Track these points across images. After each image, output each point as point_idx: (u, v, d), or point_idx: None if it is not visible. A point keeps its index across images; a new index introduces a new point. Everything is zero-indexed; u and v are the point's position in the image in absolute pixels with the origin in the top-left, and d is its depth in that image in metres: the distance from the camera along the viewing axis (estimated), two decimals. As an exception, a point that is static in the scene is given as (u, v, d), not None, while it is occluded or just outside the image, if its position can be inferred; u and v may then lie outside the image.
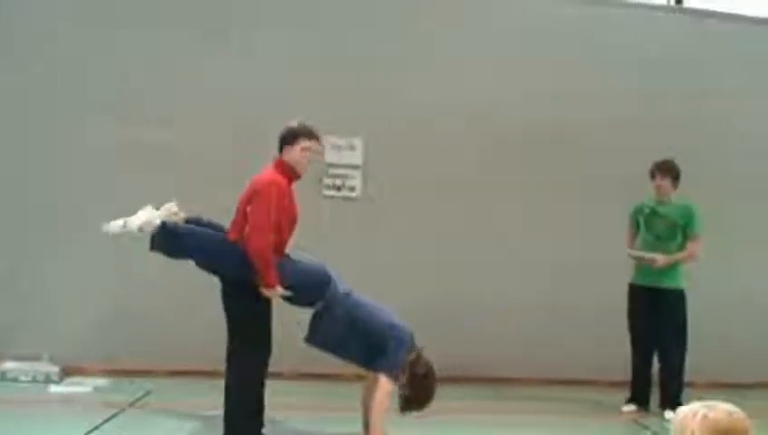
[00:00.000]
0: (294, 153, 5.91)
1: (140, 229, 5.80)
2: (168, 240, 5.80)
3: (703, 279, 8.21)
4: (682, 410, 2.93)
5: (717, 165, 9.38)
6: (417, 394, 5.82)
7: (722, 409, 2.86)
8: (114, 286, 8.38)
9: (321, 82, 8.96)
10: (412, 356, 5.85)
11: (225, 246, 5.83)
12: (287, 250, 6.06)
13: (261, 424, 5.99)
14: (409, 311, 8.48)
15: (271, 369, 6.03)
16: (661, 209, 7.90)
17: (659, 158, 7.97)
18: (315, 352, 6.08)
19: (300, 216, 8.55)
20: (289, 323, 6.13)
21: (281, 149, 5.96)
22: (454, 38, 9.30)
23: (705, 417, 2.83)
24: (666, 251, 7.76)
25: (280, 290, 5.73)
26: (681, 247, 7.81)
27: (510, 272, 9.20)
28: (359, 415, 6.19)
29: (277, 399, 6.33)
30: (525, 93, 9.32)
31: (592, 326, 8.99)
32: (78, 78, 8.60)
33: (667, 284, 7.74)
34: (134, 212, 5.93)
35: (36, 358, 8.18)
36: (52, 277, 8.42)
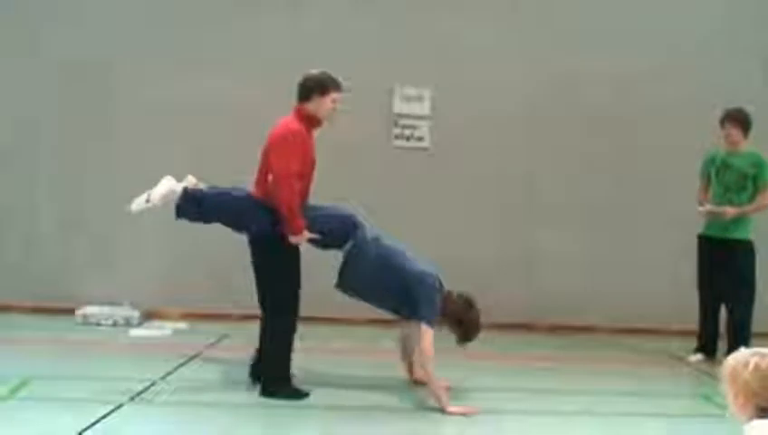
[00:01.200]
0: (325, 104, 5.93)
1: (164, 199, 5.89)
2: (191, 206, 5.92)
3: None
4: (730, 360, 2.90)
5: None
6: (465, 328, 5.99)
7: None
8: (190, 232, 8.60)
9: (383, 34, 9.06)
10: (444, 295, 5.98)
11: (247, 202, 5.93)
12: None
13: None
14: (476, 258, 8.80)
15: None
16: (731, 160, 7.78)
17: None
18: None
19: (371, 165, 8.88)
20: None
21: (307, 98, 5.94)
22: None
23: (756, 366, 2.81)
24: (736, 202, 7.68)
25: (307, 234, 5.80)
26: (752, 198, 7.71)
27: (578, 219, 9.26)
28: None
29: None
30: (596, 40, 9.30)
31: (663, 275, 9.03)
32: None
33: (735, 235, 7.68)
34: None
35: (117, 302, 8.52)
36: (130, 225, 8.67)
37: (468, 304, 6.02)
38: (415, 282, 5.89)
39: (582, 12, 9.41)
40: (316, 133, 6.07)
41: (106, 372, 6.49)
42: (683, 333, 8.43)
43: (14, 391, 5.61)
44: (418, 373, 6.20)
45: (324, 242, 6.02)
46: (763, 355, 2.84)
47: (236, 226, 6.03)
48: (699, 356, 7.89)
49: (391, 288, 5.96)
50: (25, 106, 9.00)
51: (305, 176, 5.93)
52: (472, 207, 9.20)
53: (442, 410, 5.67)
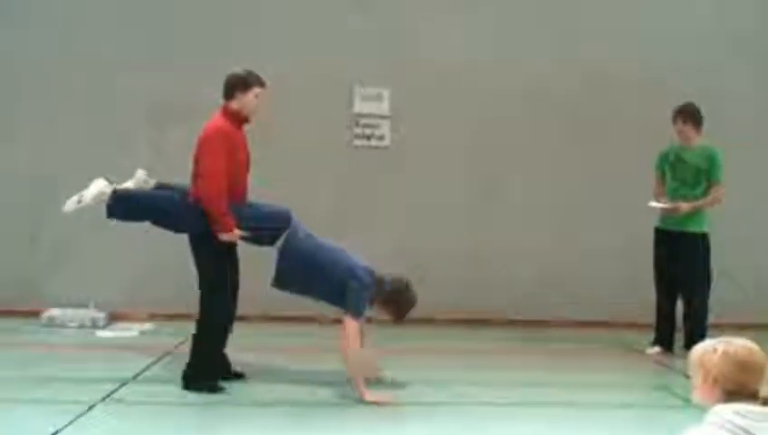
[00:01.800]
0: (248, 100, 6.10)
1: (95, 200, 6.06)
2: (121, 207, 6.11)
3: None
4: (698, 347, 3.06)
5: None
6: (397, 307, 6.19)
7: (739, 343, 3.00)
8: (154, 234, 8.66)
9: (348, 33, 9.18)
10: (377, 278, 6.18)
11: (177, 203, 6.11)
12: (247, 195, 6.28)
13: (225, 365, 6.33)
14: (436, 253, 8.96)
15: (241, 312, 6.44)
16: (685, 155, 7.97)
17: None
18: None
19: (330, 164, 8.99)
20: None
21: (230, 96, 6.10)
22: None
23: (725, 352, 2.97)
24: (690, 196, 7.87)
25: (237, 232, 5.98)
26: (705, 193, 7.89)
27: (534, 215, 9.45)
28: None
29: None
30: (552, 37, 9.53)
31: (618, 269, 9.24)
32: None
33: (690, 228, 7.86)
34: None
35: (82, 304, 8.54)
36: (95, 225, 8.69)
37: (403, 284, 6.22)
38: (347, 275, 6.08)
39: (547, 9, 9.57)
40: (246, 128, 6.25)
41: (76, 373, 6.53)
42: (639, 326, 8.60)
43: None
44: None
45: (257, 238, 6.18)
46: (728, 342, 3.01)
47: (167, 226, 6.22)
48: (657, 348, 8.07)
49: (325, 282, 6.14)
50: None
51: (238, 173, 6.09)
52: (434, 206, 9.33)
53: (360, 398, 5.88)
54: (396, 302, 6.19)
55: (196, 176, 6.07)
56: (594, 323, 9.25)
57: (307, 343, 8.02)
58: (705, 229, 7.93)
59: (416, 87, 9.32)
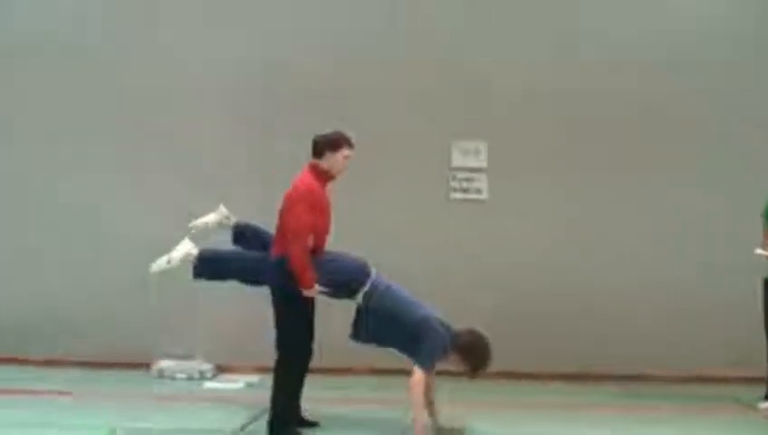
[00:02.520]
0: (336, 160, 6.39)
1: (183, 261, 6.37)
2: (207, 268, 6.44)
3: None
4: None
5: None
6: (474, 360, 6.28)
7: None
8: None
9: (442, 86, 9.37)
10: (453, 333, 6.29)
11: (258, 263, 6.42)
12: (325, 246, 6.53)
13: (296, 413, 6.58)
14: (536, 307, 8.94)
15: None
16: None
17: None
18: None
19: (428, 217, 9.12)
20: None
21: (320, 155, 6.39)
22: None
23: None
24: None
25: (317, 288, 6.21)
26: (817, 241, 7.66)
27: (642, 269, 9.32)
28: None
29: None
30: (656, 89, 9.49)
31: (728, 322, 9.05)
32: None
33: None
34: None
35: (190, 357, 8.83)
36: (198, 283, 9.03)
37: (479, 338, 6.33)
38: (421, 328, 6.22)
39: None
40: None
41: (185, 423, 6.79)
42: (748, 380, 8.43)
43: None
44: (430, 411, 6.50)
45: (336, 293, 6.39)
46: None
47: (253, 283, 6.54)
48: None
49: (402, 334, 6.29)
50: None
51: (320, 230, 6.36)
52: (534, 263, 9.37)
53: None
54: (472, 355, 6.29)
55: (279, 229, 6.35)
56: (706, 378, 9.05)
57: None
58: None
59: (512, 139, 9.41)
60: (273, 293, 6.37)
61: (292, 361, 6.36)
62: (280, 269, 6.21)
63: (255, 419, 6.88)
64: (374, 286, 6.38)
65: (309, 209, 6.20)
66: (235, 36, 9.45)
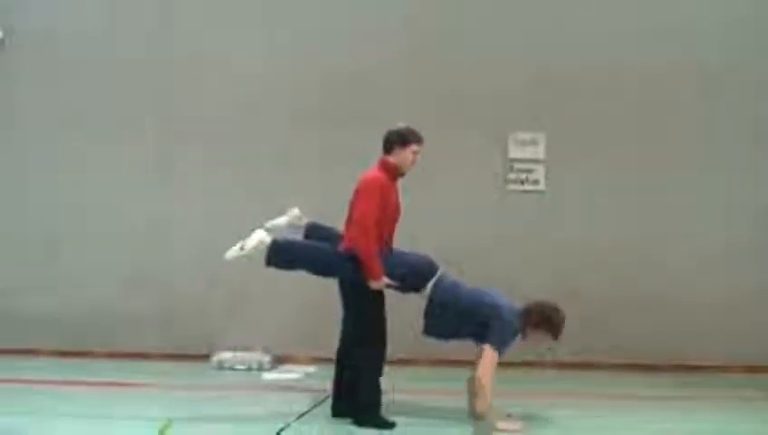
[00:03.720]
0: (405, 155, 6.48)
1: (256, 249, 6.39)
2: (279, 257, 6.43)
3: None
4: None
5: None
6: (550, 328, 6.36)
7: None
8: (314, 277, 9.00)
9: (500, 80, 9.34)
10: (524, 309, 6.38)
11: (330, 253, 6.44)
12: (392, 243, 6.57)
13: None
14: (590, 298, 8.87)
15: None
16: None
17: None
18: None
19: (484, 209, 9.10)
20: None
21: (390, 150, 6.49)
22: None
23: None
24: None
25: (385, 280, 6.28)
26: None
27: (701, 261, 9.23)
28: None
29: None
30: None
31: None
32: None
33: None
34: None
35: (250, 348, 8.93)
36: (260, 270, 9.07)
37: (549, 306, 6.41)
38: (490, 315, 6.29)
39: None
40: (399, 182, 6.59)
41: (244, 413, 6.85)
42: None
43: (161, 432, 5.97)
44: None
45: (403, 287, 6.46)
46: None
47: (322, 273, 6.57)
48: None
49: (472, 324, 6.38)
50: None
51: (387, 223, 6.42)
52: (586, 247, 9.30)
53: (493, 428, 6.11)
54: (548, 323, 6.36)
55: (349, 222, 6.43)
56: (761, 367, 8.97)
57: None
58: None
59: (570, 131, 9.35)
60: (344, 286, 6.48)
61: (376, 351, 6.43)
62: (349, 262, 6.30)
63: (315, 406, 6.99)
64: (441, 280, 6.46)
65: (378, 203, 6.29)
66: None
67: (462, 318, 6.39)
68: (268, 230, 6.61)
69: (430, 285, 6.44)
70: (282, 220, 6.80)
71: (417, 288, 6.47)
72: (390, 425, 6.30)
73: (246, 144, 9.53)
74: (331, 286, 8.13)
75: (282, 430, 6.16)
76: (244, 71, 9.58)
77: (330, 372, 8.34)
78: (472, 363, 6.47)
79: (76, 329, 9.42)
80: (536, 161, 9.49)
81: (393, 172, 6.51)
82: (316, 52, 9.52)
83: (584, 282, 9.09)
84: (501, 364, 6.29)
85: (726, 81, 9.36)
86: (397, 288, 6.45)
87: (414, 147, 6.49)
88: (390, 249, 6.49)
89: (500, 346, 6.23)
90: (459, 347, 6.80)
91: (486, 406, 6.20)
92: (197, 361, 9.05)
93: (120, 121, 9.64)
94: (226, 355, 8.91)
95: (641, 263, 9.25)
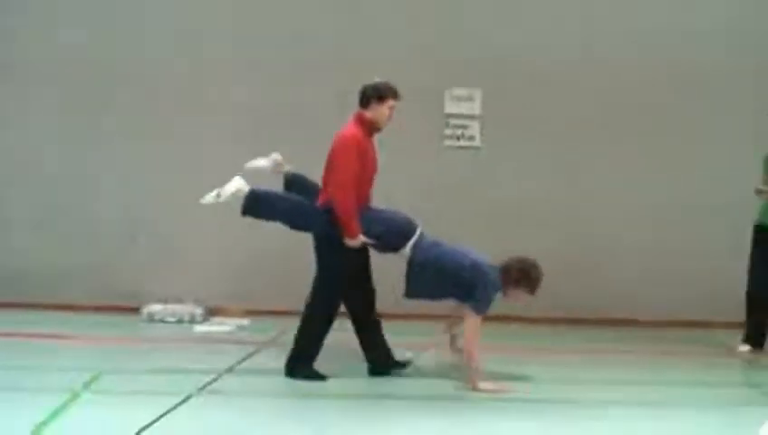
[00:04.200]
0: (382, 110, 6.39)
1: (233, 197, 6.30)
2: (257, 207, 6.35)
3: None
4: None
5: None
6: (529, 285, 6.36)
7: None
8: (250, 231, 8.89)
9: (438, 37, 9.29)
10: (503, 266, 6.35)
11: (308, 206, 6.37)
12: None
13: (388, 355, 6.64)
14: (527, 252, 8.91)
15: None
16: None
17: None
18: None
19: (421, 165, 9.09)
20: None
21: (367, 105, 6.39)
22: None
23: None
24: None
25: (362, 238, 6.24)
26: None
27: (628, 213, 9.39)
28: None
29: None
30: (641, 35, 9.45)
31: (714, 266, 9.10)
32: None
33: None
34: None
35: (181, 300, 8.84)
36: (192, 224, 9.02)
37: (528, 262, 6.40)
38: (473, 275, 6.25)
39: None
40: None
41: (173, 365, 6.78)
42: (730, 325, 8.50)
43: (87, 385, 5.90)
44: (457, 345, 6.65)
45: (381, 246, 6.39)
46: None
47: (298, 227, 6.46)
48: (747, 346, 7.93)
49: (454, 285, 6.33)
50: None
51: (364, 180, 6.36)
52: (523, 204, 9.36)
53: (472, 387, 6.12)
54: (527, 280, 6.35)
55: (326, 180, 6.36)
56: (690, 322, 9.15)
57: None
58: None
59: (506, 87, 9.35)
60: (318, 240, 6.41)
61: (325, 306, 6.39)
62: (326, 217, 6.25)
63: (242, 360, 6.92)
64: (420, 240, 6.42)
65: (355, 159, 6.24)
66: None
67: (443, 279, 6.33)
68: (246, 171, 6.49)
69: (410, 244, 6.37)
70: (261, 163, 6.63)
71: (395, 247, 6.40)
72: (321, 377, 6.31)
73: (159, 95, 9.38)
74: (265, 236, 8.12)
75: (210, 382, 6.10)
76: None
77: (262, 324, 8.44)
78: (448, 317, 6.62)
79: (10, 281, 9.20)
80: (472, 117, 9.47)
81: (369, 127, 6.42)
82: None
83: (519, 238, 9.09)
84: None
85: (648, 41, 9.44)
86: (374, 247, 6.40)
87: (391, 102, 6.41)
88: (368, 206, 6.44)
89: (484, 309, 6.23)
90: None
91: (472, 366, 6.23)
92: (129, 313, 8.92)
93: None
94: (157, 307, 8.81)
95: (574, 220, 9.33)
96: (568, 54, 9.42)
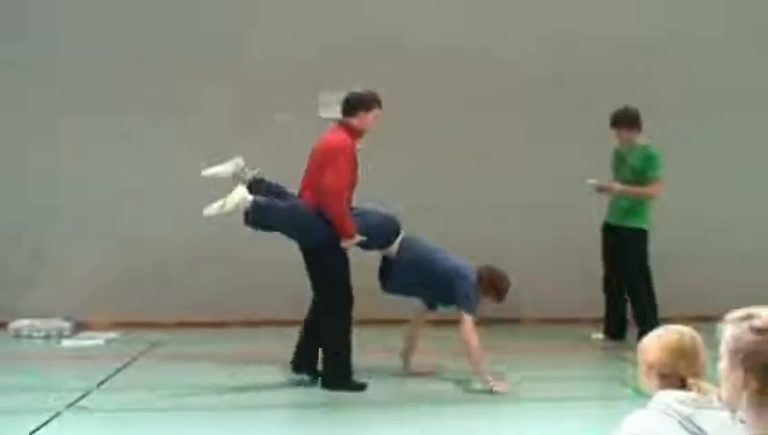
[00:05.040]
0: (368, 119, 6.55)
1: (237, 208, 6.29)
2: (261, 216, 6.40)
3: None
4: (646, 336, 3.26)
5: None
6: (498, 293, 6.75)
7: (674, 329, 3.21)
8: (116, 242, 8.82)
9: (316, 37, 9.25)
10: (478, 275, 6.70)
11: (308, 216, 6.41)
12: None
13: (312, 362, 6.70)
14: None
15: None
16: (625, 155, 8.20)
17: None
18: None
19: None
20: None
21: (352, 113, 6.52)
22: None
23: (658, 337, 3.19)
24: (633, 196, 8.09)
25: (357, 238, 6.41)
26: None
27: (495, 212, 9.32)
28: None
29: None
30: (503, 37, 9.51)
31: (570, 266, 9.27)
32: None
33: (628, 223, 8.09)
34: None
35: (49, 315, 8.61)
36: (60, 238, 8.83)
37: (496, 271, 6.80)
38: (456, 276, 6.60)
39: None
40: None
41: (41, 382, 6.64)
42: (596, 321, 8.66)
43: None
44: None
45: (368, 244, 6.60)
46: (666, 328, 3.22)
47: (299, 235, 6.54)
48: (600, 335, 8.28)
49: (436, 285, 6.68)
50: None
51: (353, 183, 6.53)
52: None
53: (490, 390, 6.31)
54: (496, 289, 6.72)
55: (310, 184, 6.46)
56: (559, 320, 9.28)
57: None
58: (644, 226, 8.11)
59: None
60: (315, 248, 6.45)
61: (338, 312, 6.47)
62: (322, 224, 6.33)
63: (112, 376, 6.79)
64: (405, 239, 6.70)
65: (348, 164, 6.39)
66: None
67: (426, 278, 6.63)
68: (205, 177, 6.49)
69: (396, 243, 6.65)
70: (222, 169, 6.57)
71: (381, 246, 6.66)
72: (361, 387, 6.44)
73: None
74: (135, 248, 8.04)
75: (79, 399, 6.00)
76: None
77: (134, 337, 8.31)
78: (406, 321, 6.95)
79: None
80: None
81: (356, 135, 6.53)
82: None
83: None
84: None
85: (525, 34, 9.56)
86: (364, 245, 6.56)
87: (376, 111, 6.55)
88: (351, 208, 6.56)
89: (472, 308, 6.50)
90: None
91: (483, 367, 6.42)
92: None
93: None
94: (23, 323, 8.54)
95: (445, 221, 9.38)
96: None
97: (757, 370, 2.32)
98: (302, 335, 6.69)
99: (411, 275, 6.67)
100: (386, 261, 6.78)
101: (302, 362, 6.65)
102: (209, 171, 6.56)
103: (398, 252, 6.67)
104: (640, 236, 8.09)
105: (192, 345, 8.00)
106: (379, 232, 6.64)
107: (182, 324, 8.61)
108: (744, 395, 2.37)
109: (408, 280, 6.70)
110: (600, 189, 8.13)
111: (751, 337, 2.34)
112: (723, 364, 2.41)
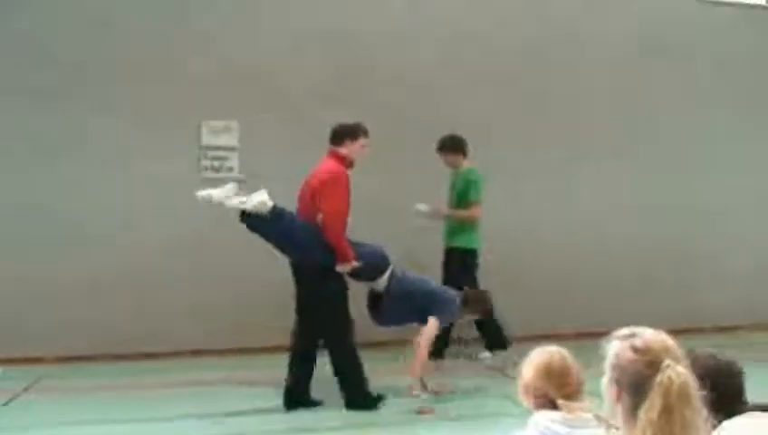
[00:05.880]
0: (355, 148, 6.84)
1: (256, 208, 6.45)
2: (276, 224, 6.53)
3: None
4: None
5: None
6: (484, 309, 7.58)
7: (545, 351, 3.37)
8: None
9: (197, 68, 9.22)
10: (464, 296, 7.35)
11: (312, 235, 6.62)
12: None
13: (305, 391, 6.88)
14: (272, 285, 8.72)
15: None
16: (454, 179, 8.72)
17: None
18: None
19: (180, 197, 8.91)
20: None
21: (340, 143, 6.80)
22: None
23: (530, 359, 3.36)
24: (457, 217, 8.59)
25: (354, 263, 6.65)
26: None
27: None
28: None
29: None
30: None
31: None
32: None
33: (455, 244, 8.56)
34: None
35: None
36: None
37: (480, 292, 7.72)
38: (441, 293, 7.23)
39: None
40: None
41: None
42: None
43: None
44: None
45: (358, 274, 6.85)
46: (540, 351, 3.36)
47: (291, 253, 6.75)
48: (488, 353, 8.55)
49: (424, 312, 7.04)
50: None
51: (349, 213, 6.77)
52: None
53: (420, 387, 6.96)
54: (483, 307, 7.53)
55: (305, 211, 6.74)
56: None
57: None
58: (474, 246, 8.57)
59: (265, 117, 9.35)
60: (313, 271, 6.62)
61: (341, 335, 6.67)
62: (326, 246, 6.53)
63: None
64: (394, 273, 7.02)
65: (346, 191, 6.64)
66: None
67: (411, 305, 6.98)
68: (198, 198, 6.50)
69: (386, 276, 6.93)
70: (215, 193, 6.52)
71: (371, 278, 6.93)
72: (380, 399, 6.74)
73: None
74: (21, 279, 7.76)
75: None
76: None
77: (11, 374, 7.97)
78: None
79: None
80: (231, 149, 9.43)
81: (347, 165, 6.79)
82: None
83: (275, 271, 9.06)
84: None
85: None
86: (355, 275, 6.80)
87: (362, 140, 6.83)
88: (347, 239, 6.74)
89: (443, 319, 7.10)
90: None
91: (420, 365, 6.96)
92: None
93: None
94: None
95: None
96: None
97: (631, 386, 2.41)
98: (292, 372, 6.76)
99: (398, 306, 6.98)
100: (373, 296, 7.06)
101: (294, 397, 6.74)
102: (203, 193, 6.57)
103: (388, 285, 6.94)
104: (470, 254, 8.53)
105: (76, 379, 7.75)
106: (369, 264, 6.82)
107: (63, 359, 8.29)
108: (618, 409, 2.46)
109: (401, 311, 7.03)
110: (430, 215, 8.55)
111: (629, 355, 2.45)
112: (604, 379, 2.51)
